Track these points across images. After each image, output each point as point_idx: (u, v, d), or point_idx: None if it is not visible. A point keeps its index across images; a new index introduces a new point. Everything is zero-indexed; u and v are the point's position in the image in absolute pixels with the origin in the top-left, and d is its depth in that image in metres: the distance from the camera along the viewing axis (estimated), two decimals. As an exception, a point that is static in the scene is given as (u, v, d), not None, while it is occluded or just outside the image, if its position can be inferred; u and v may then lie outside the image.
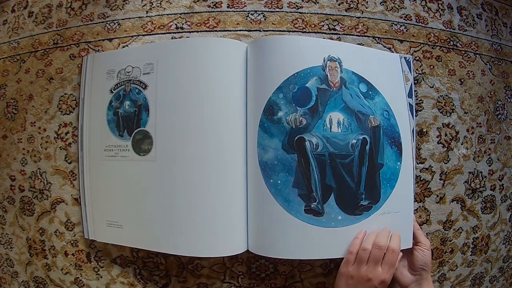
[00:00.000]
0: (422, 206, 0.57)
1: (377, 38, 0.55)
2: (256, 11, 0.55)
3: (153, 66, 0.51)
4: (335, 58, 0.48)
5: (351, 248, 0.45)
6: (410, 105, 0.53)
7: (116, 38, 0.57)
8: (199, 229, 0.48)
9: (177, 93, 0.49)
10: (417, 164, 0.56)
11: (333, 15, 0.55)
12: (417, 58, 0.56)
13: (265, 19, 0.54)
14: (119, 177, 0.53)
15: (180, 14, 0.56)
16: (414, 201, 0.56)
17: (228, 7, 0.55)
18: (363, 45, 0.55)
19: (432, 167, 0.57)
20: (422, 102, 0.56)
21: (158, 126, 0.50)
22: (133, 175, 0.52)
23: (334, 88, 0.47)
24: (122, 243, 0.54)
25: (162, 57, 0.51)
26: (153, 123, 0.50)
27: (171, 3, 0.56)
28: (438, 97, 0.57)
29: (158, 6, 0.56)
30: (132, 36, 0.56)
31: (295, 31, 0.54)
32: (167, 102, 0.50)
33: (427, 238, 0.56)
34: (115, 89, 0.54)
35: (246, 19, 0.54)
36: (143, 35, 0.56)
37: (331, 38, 0.54)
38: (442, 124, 0.57)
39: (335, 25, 0.55)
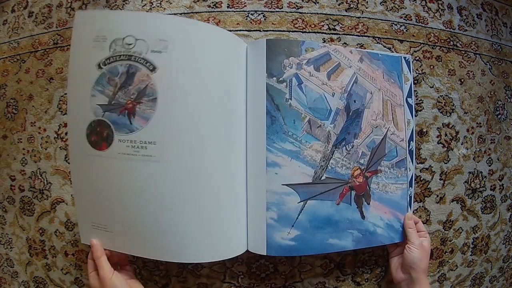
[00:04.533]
0: (422, 206, 0.57)
1: (377, 38, 0.55)
2: (256, 11, 0.55)
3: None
4: None
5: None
6: (410, 105, 0.53)
7: (116, 38, 0.57)
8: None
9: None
10: (417, 164, 0.56)
11: (333, 15, 0.55)
12: (417, 58, 0.56)
13: (265, 19, 0.54)
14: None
15: (180, 14, 0.56)
16: (414, 201, 0.56)
17: (228, 7, 0.55)
18: (363, 45, 0.55)
19: (432, 167, 0.57)
20: (422, 102, 0.56)
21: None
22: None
23: None
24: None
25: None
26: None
27: (171, 3, 0.56)
28: (438, 97, 0.57)
29: (158, 6, 0.56)
30: (132, 36, 0.56)
31: (295, 31, 0.54)
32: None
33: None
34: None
35: (246, 19, 0.54)
36: (143, 35, 0.56)
37: (331, 38, 0.54)
38: (442, 124, 0.57)
39: (335, 25, 0.55)
